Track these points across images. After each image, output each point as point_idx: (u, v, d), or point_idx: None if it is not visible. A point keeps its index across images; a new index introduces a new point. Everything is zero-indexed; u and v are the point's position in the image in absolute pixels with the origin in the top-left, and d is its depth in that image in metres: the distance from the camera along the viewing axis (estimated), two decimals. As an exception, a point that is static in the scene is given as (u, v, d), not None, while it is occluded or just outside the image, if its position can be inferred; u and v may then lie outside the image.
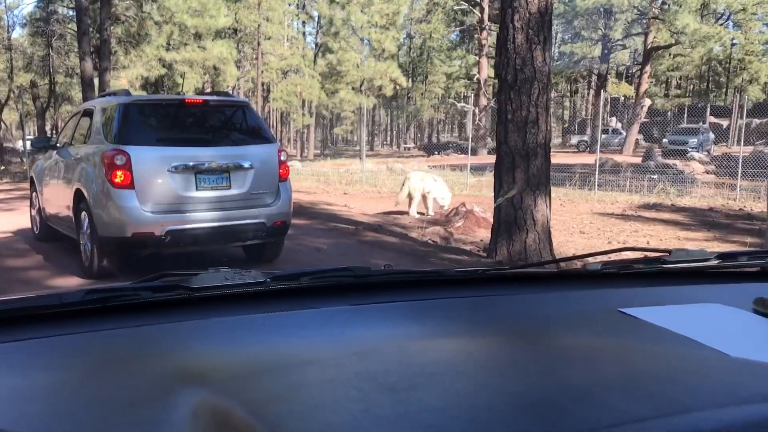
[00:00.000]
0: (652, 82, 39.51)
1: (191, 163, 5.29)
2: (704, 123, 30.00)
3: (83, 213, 5.49)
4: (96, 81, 19.53)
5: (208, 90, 29.16)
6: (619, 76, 41.56)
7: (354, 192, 14.85)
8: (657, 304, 1.10)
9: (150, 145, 5.35)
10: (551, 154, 6.12)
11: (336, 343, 0.93)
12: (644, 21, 31.97)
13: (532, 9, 5.62)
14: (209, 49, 29.74)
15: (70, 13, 27.59)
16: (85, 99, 16.96)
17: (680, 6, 28.49)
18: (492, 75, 37.37)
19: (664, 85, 48.13)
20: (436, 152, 36.16)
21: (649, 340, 0.92)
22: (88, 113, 6.08)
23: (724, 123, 32.40)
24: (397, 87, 40.32)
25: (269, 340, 0.96)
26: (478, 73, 35.35)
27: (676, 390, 0.62)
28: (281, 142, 36.24)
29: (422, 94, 46.31)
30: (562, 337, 0.96)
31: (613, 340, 0.92)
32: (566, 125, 48.48)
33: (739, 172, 13.49)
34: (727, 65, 41.38)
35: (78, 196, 5.61)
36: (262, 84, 37.75)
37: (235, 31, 34.95)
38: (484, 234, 7.94)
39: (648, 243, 7.84)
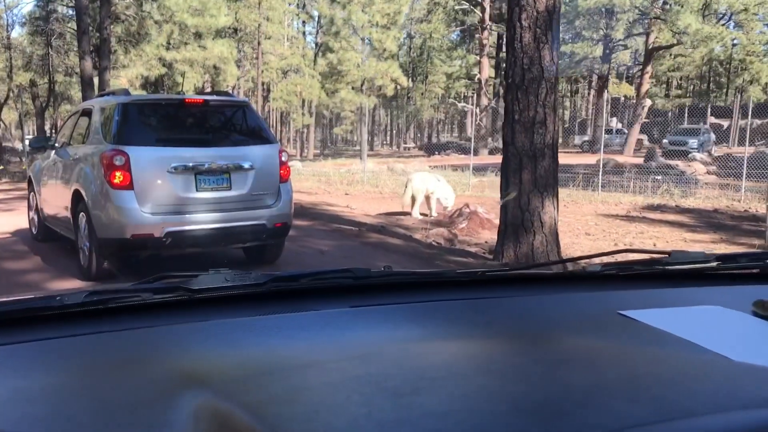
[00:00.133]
0: (653, 83, 39.46)
1: (191, 164, 5.21)
2: (705, 123, 29.94)
3: (82, 214, 5.40)
4: (96, 80, 19.45)
5: (209, 89, 29.14)
6: (620, 76, 41.46)
7: (355, 192, 14.74)
8: (657, 305, 1.10)
9: (149, 145, 5.27)
10: (555, 154, 6.02)
11: (336, 345, 0.92)
12: (646, 21, 31.89)
13: (540, 7, 5.52)
14: (209, 48, 29.70)
15: (70, 12, 27.51)
16: (84, 98, 16.86)
17: (682, 6, 28.41)
18: (493, 75, 37.42)
19: (664, 85, 48.09)
20: (437, 152, 36.05)
21: (649, 342, 0.92)
22: (87, 113, 5.99)
23: (725, 123, 32.37)
24: (398, 87, 40.30)
25: (270, 342, 0.95)
26: (479, 73, 35.35)
27: (678, 393, 0.62)
28: (281, 141, 36.12)
29: (422, 94, 46.27)
30: (562, 340, 0.96)
31: (614, 343, 0.92)
32: (566, 125, 48.42)
33: (744, 173, 13.40)
34: (728, 66, 41.33)
35: (76, 196, 5.52)
36: (262, 83, 37.71)
37: (236, 30, 34.92)
38: (489, 235, 7.85)
39: (654, 245, 7.75)
